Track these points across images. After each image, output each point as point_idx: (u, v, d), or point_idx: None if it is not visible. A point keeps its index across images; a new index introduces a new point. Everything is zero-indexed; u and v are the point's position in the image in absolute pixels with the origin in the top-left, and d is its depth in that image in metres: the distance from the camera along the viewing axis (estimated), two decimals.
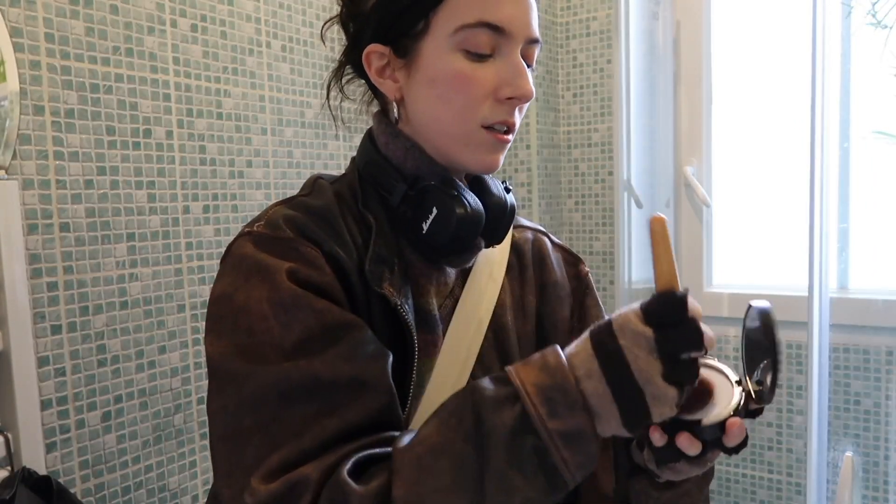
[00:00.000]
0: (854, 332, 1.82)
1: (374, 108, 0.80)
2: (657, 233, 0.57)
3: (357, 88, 0.80)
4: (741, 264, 2.10)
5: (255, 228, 0.68)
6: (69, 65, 1.19)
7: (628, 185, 1.91)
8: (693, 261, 2.10)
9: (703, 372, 0.64)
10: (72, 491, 1.14)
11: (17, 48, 1.12)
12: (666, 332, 0.56)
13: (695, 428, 0.60)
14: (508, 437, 0.54)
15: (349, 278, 0.67)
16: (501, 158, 0.72)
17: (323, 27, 0.79)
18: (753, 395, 0.62)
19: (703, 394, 0.61)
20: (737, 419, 0.61)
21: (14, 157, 1.11)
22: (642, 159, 1.98)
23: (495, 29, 0.67)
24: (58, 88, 1.17)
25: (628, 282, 1.96)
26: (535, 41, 0.72)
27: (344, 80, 0.79)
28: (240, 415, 0.59)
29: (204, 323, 1.39)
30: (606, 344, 0.56)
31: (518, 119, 0.71)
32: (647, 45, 2.00)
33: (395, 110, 0.74)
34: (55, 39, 1.17)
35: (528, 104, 0.73)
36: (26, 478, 1.03)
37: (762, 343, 0.62)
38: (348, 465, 0.56)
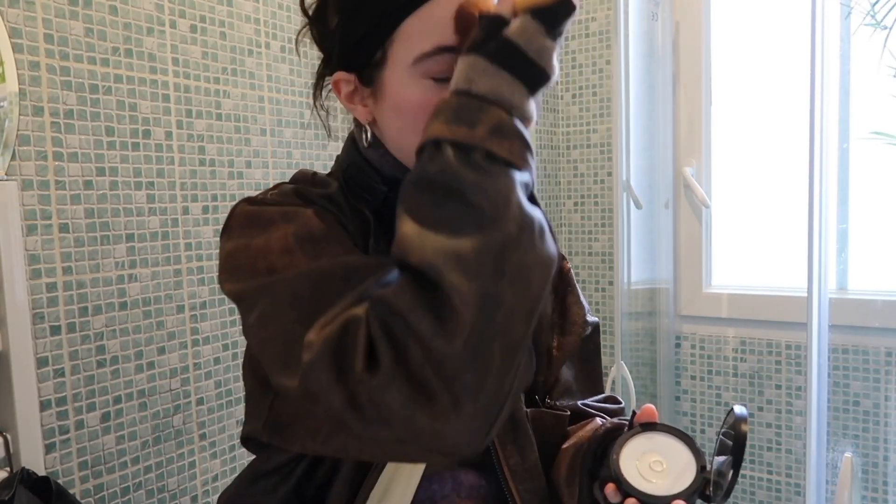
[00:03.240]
0: (853, 332, 1.83)
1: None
2: None
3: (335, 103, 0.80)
4: (740, 265, 2.10)
5: (267, 195, 0.68)
6: (68, 65, 1.19)
7: (627, 185, 1.91)
8: (692, 261, 2.10)
9: (676, 444, 0.67)
10: (71, 492, 1.14)
11: (17, 49, 1.12)
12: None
13: (644, 497, 0.64)
14: (459, 164, 0.53)
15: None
16: None
17: (296, 38, 0.78)
18: (711, 487, 0.65)
19: None
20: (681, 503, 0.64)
21: (13, 157, 1.12)
22: (641, 160, 1.99)
23: (455, 51, 0.63)
24: (57, 89, 1.17)
25: (627, 282, 1.96)
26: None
27: (326, 91, 0.78)
28: (279, 315, 0.57)
29: (202, 323, 1.39)
30: (484, 45, 0.57)
31: None
32: (646, 46, 2.00)
33: (368, 133, 0.73)
34: (54, 40, 1.17)
35: None
36: (25, 478, 1.03)
37: (731, 446, 0.65)
38: (378, 286, 0.54)
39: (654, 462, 0.67)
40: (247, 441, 0.74)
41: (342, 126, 0.85)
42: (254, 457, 0.76)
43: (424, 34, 0.64)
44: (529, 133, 0.58)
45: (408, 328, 0.50)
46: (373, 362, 0.51)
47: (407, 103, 0.66)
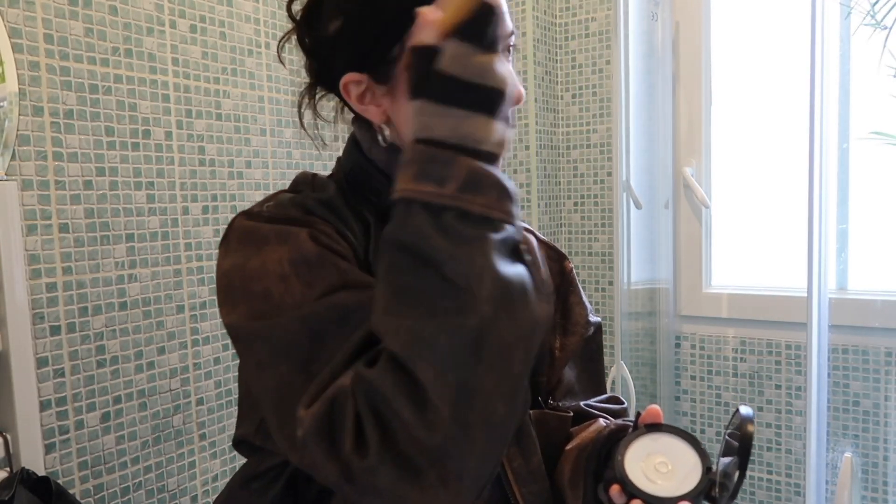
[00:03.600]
0: (853, 332, 1.82)
1: (349, 114, 0.78)
2: None
3: (328, 103, 0.78)
4: (740, 265, 2.10)
5: (263, 208, 0.67)
6: (68, 65, 1.19)
7: (627, 185, 1.91)
8: (692, 261, 2.10)
9: (681, 445, 0.67)
10: (71, 492, 1.13)
11: (17, 49, 1.12)
12: (463, 31, 0.54)
13: (649, 499, 0.64)
14: (431, 229, 0.52)
15: (359, 260, 0.67)
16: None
17: (279, 46, 0.76)
18: (717, 489, 0.64)
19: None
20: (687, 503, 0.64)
21: (13, 157, 1.12)
22: (641, 160, 1.98)
23: None
24: (57, 89, 1.17)
25: (627, 282, 1.96)
26: (512, 33, 0.67)
27: (316, 99, 0.77)
28: (275, 365, 0.58)
29: (202, 323, 1.39)
30: (424, 85, 0.55)
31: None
32: (646, 46, 2.00)
33: (386, 132, 0.70)
34: (54, 40, 1.17)
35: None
36: (25, 478, 1.03)
37: (737, 447, 0.65)
38: (365, 361, 0.54)
39: (659, 463, 0.67)
40: (239, 444, 0.74)
41: (340, 133, 0.84)
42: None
43: None
44: (503, 170, 0.56)
45: (391, 411, 0.51)
46: (361, 442, 0.52)
47: None
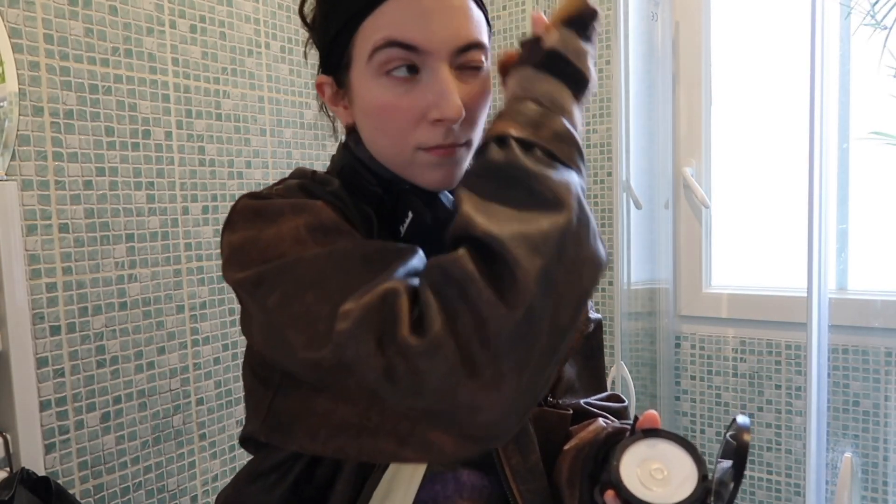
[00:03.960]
0: (853, 332, 1.82)
1: None
2: None
3: None
4: (740, 265, 2.10)
5: (273, 190, 0.67)
6: (68, 66, 1.19)
7: (627, 185, 1.91)
8: (692, 261, 2.10)
9: (678, 452, 0.67)
10: (71, 492, 1.14)
11: (17, 49, 1.12)
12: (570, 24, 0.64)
13: None
14: (523, 156, 0.56)
15: None
16: (456, 172, 0.68)
17: (305, 47, 0.79)
18: (712, 497, 0.64)
19: None
20: None
21: (13, 158, 1.12)
22: (641, 160, 1.98)
23: (407, 47, 0.63)
24: (57, 89, 1.17)
25: (627, 282, 1.96)
26: (469, 47, 0.65)
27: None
28: (301, 293, 0.56)
29: (202, 324, 1.39)
30: (527, 58, 0.63)
31: (463, 133, 0.67)
32: (645, 46, 2.00)
33: (352, 135, 0.74)
34: (54, 40, 1.17)
35: (483, 105, 0.69)
36: (25, 478, 1.03)
37: (733, 456, 0.65)
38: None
39: (654, 469, 0.66)
40: (245, 441, 0.74)
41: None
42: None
43: (377, 29, 0.64)
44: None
45: (465, 297, 0.50)
46: (419, 328, 0.50)
47: (371, 105, 0.67)
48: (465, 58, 0.66)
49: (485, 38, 0.68)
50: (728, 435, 0.68)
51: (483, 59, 0.68)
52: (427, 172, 0.68)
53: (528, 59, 0.63)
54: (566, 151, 0.58)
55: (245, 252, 0.61)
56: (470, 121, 0.67)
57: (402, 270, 0.55)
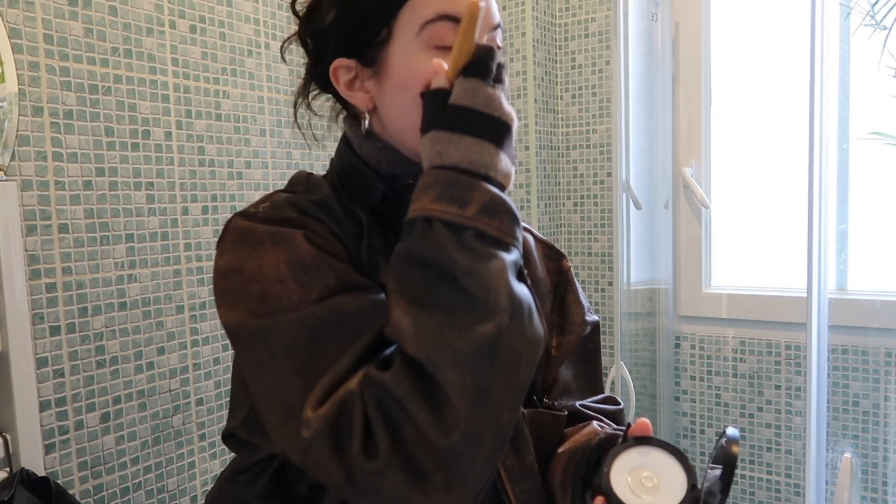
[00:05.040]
0: (853, 333, 1.83)
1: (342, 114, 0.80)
2: (470, 15, 0.60)
3: (325, 103, 0.81)
4: (740, 265, 2.10)
5: (259, 209, 0.68)
6: (68, 66, 1.19)
7: (627, 186, 1.91)
8: (692, 262, 2.10)
9: (669, 460, 0.67)
10: (71, 492, 1.14)
11: (16, 49, 1.12)
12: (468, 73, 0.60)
13: None
14: (452, 245, 0.55)
15: (353, 260, 0.67)
16: None
17: (282, 46, 0.79)
18: None
19: None
20: None
21: (13, 158, 1.12)
22: (641, 160, 1.99)
23: (457, 20, 0.66)
24: (56, 89, 1.17)
25: (627, 283, 1.96)
26: (497, 26, 0.71)
27: (310, 97, 0.80)
28: (274, 365, 0.59)
29: (202, 324, 1.39)
30: (437, 118, 0.59)
31: None
32: (645, 47, 2.00)
33: (367, 121, 0.74)
34: (54, 40, 1.17)
35: None
36: (25, 479, 1.03)
37: (721, 468, 0.66)
38: (375, 365, 0.57)
39: (645, 477, 0.67)
40: (227, 438, 0.75)
41: (318, 140, 0.85)
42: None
43: (428, 4, 0.67)
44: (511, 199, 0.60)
45: (405, 414, 0.53)
46: (370, 445, 0.53)
47: (414, 75, 0.67)
48: (492, 36, 0.70)
49: (501, 26, 0.73)
50: (718, 444, 0.69)
51: (501, 46, 0.72)
52: None
53: (436, 118, 0.59)
54: (496, 225, 0.56)
55: (229, 284, 0.64)
56: None
57: (368, 342, 0.58)
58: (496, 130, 0.58)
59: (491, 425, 0.54)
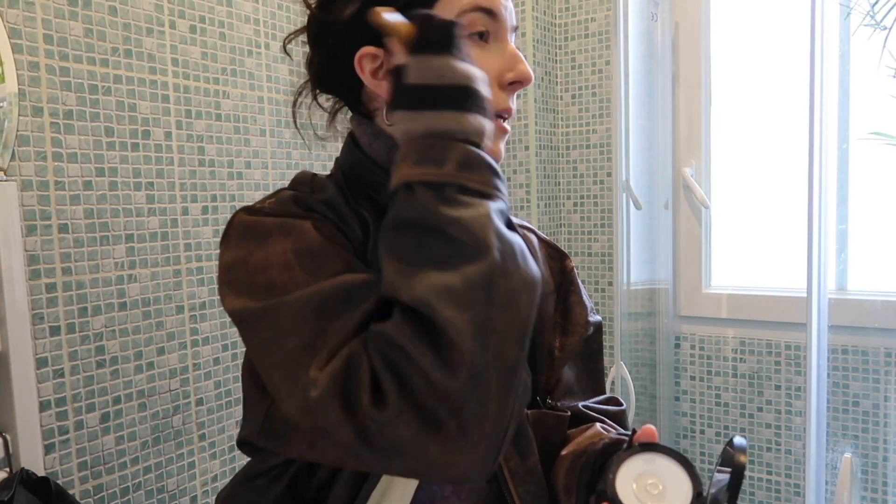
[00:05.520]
0: (853, 333, 1.83)
1: (343, 114, 0.79)
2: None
3: (324, 102, 0.80)
4: (740, 265, 2.10)
5: (265, 204, 0.68)
6: (68, 66, 1.19)
7: (627, 186, 1.91)
8: (692, 262, 2.10)
9: (675, 468, 0.67)
10: (70, 492, 1.14)
11: (16, 49, 1.12)
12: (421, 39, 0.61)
13: None
14: (435, 202, 0.56)
15: (359, 258, 0.67)
16: (503, 148, 0.72)
17: (286, 40, 0.79)
18: None
19: None
20: None
21: (13, 158, 1.12)
22: (641, 160, 1.99)
23: (489, 13, 0.68)
24: (56, 89, 1.17)
25: (627, 283, 1.96)
26: (515, 28, 0.74)
27: (315, 95, 0.79)
28: (282, 340, 0.58)
29: (202, 324, 1.39)
30: (398, 99, 0.61)
31: (514, 106, 0.73)
32: (645, 47, 2.00)
33: (384, 112, 0.73)
34: (54, 40, 1.17)
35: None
36: (25, 479, 1.03)
37: (728, 476, 0.66)
38: (376, 320, 0.57)
39: (650, 484, 0.66)
40: (242, 445, 0.74)
41: (328, 133, 0.84)
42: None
43: None
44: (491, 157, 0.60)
45: (410, 361, 0.53)
46: (379, 396, 0.53)
47: None
48: (511, 37, 0.72)
49: None
50: (721, 458, 0.68)
51: None
52: (492, 144, 0.68)
53: (397, 99, 0.61)
54: (476, 177, 0.57)
55: (234, 275, 0.63)
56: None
57: (371, 308, 0.58)
58: (454, 97, 0.59)
59: (496, 363, 0.53)
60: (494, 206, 0.57)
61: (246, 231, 0.65)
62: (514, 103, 0.72)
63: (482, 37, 0.69)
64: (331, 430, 0.54)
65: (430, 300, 0.53)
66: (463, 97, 0.59)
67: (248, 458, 0.77)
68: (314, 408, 0.54)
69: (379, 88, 0.71)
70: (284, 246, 0.62)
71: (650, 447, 0.69)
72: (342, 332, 0.57)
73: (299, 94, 0.79)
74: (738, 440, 0.68)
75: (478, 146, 0.59)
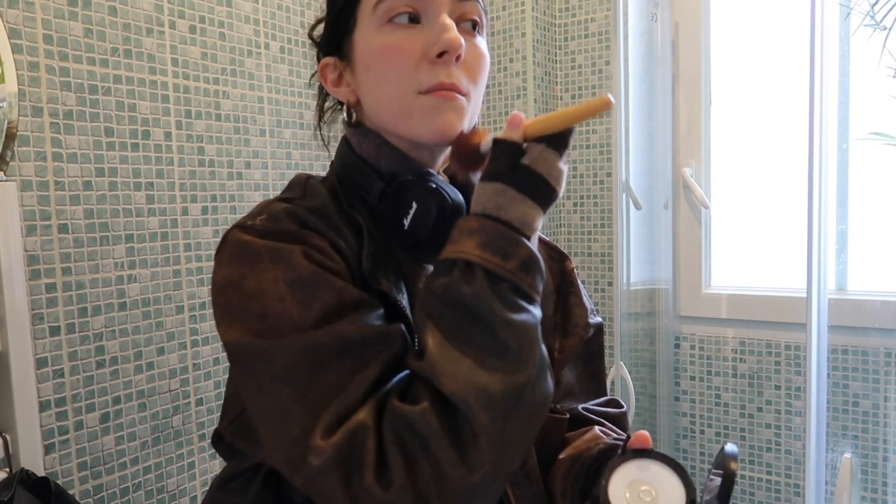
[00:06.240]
0: (852, 333, 1.83)
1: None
2: (598, 108, 0.63)
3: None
4: (740, 265, 2.10)
5: (256, 221, 0.67)
6: (68, 66, 1.19)
7: (627, 186, 1.91)
8: (692, 262, 2.10)
9: (668, 474, 0.67)
10: (70, 492, 1.14)
11: (16, 49, 1.12)
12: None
13: None
14: (491, 294, 0.58)
15: (352, 272, 0.67)
16: (457, 121, 0.68)
17: (311, 29, 0.81)
18: None
19: None
20: None
21: (13, 158, 1.12)
22: (641, 161, 1.99)
23: None
24: (56, 90, 1.17)
25: (627, 283, 1.96)
26: (472, 21, 0.70)
27: (331, 106, 0.82)
28: (275, 389, 0.59)
29: (202, 324, 1.39)
30: (509, 174, 0.62)
31: (463, 81, 0.68)
32: (645, 47, 2.00)
33: (354, 115, 0.76)
34: (54, 41, 1.17)
35: (483, 67, 0.71)
36: (25, 479, 1.03)
37: (720, 484, 0.66)
38: (395, 396, 0.58)
39: (643, 491, 0.67)
40: (215, 440, 0.75)
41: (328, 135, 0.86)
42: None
43: None
44: None
45: (427, 453, 0.54)
46: (383, 476, 0.54)
47: (374, 52, 0.69)
48: (463, 8, 0.69)
49: (482, 2, 0.72)
50: (714, 466, 0.68)
51: (481, 22, 0.71)
52: (427, 121, 0.68)
53: (505, 172, 0.61)
54: (530, 282, 0.59)
55: (226, 296, 0.63)
56: (470, 74, 0.69)
57: (376, 374, 0.59)
58: (551, 200, 0.62)
59: (506, 469, 0.56)
60: (539, 317, 0.59)
61: (239, 251, 0.64)
62: (460, 76, 0.68)
63: (412, 19, 0.68)
64: (325, 496, 0.56)
65: (469, 400, 0.55)
66: (551, 200, 0.62)
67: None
68: (313, 474, 0.55)
69: (339, 95, 0.75)
70: (276, 275, 0.61)
71: (644, 453, 0.69)
72: (343, 393, 0.57)
73: (320, 108, 0.82)
74: (730, 447, 0.68)
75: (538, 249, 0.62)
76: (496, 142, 0.63)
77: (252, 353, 0.60)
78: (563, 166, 0.62)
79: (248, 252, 0.64)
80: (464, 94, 0.68)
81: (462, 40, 0.66)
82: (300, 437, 0.56)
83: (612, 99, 0.61)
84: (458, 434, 0.55)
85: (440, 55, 0.66)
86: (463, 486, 0.54)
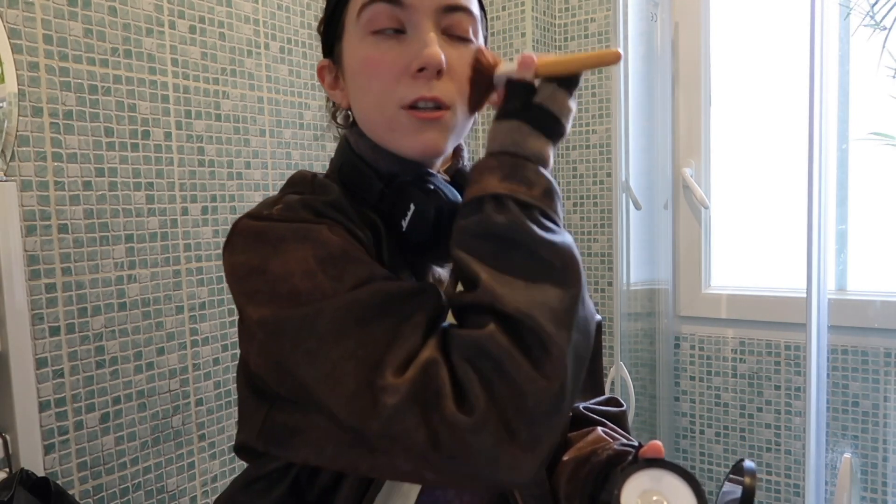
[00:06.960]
0: (852, 333, 1.83)
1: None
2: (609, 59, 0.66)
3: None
4: (740, 265, 2.10)
5: (273, 211, 0.65)
6: (67, 66, 1.19)
7: (626, 186, 1.91)
8: (691, 262, 2.10)
9: (682, 486, 0.67)
10: (70, 492, 1.14)
11: (16, 49, 1.12)
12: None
13: None
14: (525, 220, 0.59)
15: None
16: (441, 139, 0.68)
17: (320, 25, 0.81)
18: None
19: None
20: None
21: (12, 158, 1.12)
22: (640, 161, 1.99)
23: (392, 2, 0.66)
24: (56, 90, 1.17)
25: (626, 283, 1.96)
26: (453, 8, 0.68)
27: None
28: (325, 351, 0.57)
29: (202, 324, 1.39)
30: (523, 112, 0.64)
31: (447, 95, 0.67)
32: (645, 47, 2.00)
33: (351, 116, 0.76)
34: (53, 41, 1.17)
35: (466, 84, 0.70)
36: (24, 479, 1.03)
37: (738, 499, 0.66)
38: (456, 329, 0.58)
39: (655, 501, 0.66)
40: (240, 450, 0.73)
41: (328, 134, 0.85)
42: None
43: None
44: None
45: (503, 372, 0.54)
46: (464, 403, 0.54)
47: (357, 63, 0.69)
48: (450, 19, 0.68)
49: (475, 10, 0.71)
50: (729, 480, 0.68)
51: (471, 30, 0.70)
52: (411, 137, 0.68)
53: (520, 110, 0.64)
54: (554, 207, 0.61)
55: (252, 283, 0.61)
56: (455, 85, 0.68)
57: (424, 321, 0.58)
58: (561, 136, 0.65)
59: (576, 382, 0.57)
60: (571, 238, 0.61)
61: (256, 236, 0.63)
62: (441, 89, 0.67)
63: (397, 31, 0.67)
64: (403, 436, 0.54)
65: (534, 314, 0.55)
66: (561, 136, 0.65)
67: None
68: (390, 414, 0.54)
69: (334, 97, 0.76)
70: (304, 253, 0.60)
71: (657, 463, 0.68)
72: (402, 338, 0.57)
73: (330, 108, 0.82)
74: (748, 463, 0.67)
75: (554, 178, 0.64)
76: (509, 83, 0.66)
77: (295, 321, 0.58)
78: (573, 104, 0.65)
79: (270, 236, 0.63)
80: (448, 107, 0.68)
81: (442, 56, 0.65)
82: (368, 384, 0.55)
83: (622, 53, 0.64)
84: (528, 348, 0.55)
85: (420, 70, 0.66)
86: (543, 398, 0.54)
